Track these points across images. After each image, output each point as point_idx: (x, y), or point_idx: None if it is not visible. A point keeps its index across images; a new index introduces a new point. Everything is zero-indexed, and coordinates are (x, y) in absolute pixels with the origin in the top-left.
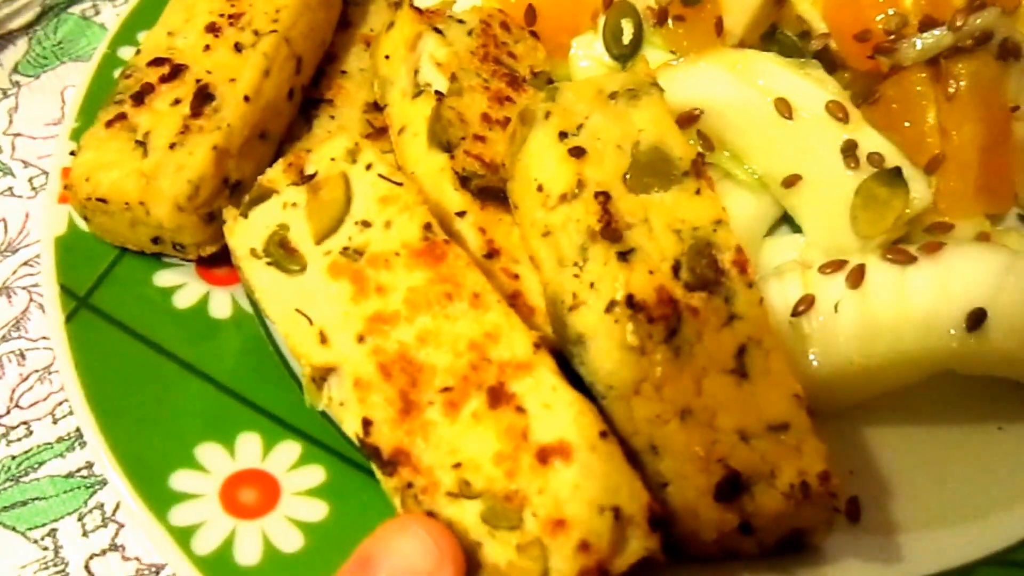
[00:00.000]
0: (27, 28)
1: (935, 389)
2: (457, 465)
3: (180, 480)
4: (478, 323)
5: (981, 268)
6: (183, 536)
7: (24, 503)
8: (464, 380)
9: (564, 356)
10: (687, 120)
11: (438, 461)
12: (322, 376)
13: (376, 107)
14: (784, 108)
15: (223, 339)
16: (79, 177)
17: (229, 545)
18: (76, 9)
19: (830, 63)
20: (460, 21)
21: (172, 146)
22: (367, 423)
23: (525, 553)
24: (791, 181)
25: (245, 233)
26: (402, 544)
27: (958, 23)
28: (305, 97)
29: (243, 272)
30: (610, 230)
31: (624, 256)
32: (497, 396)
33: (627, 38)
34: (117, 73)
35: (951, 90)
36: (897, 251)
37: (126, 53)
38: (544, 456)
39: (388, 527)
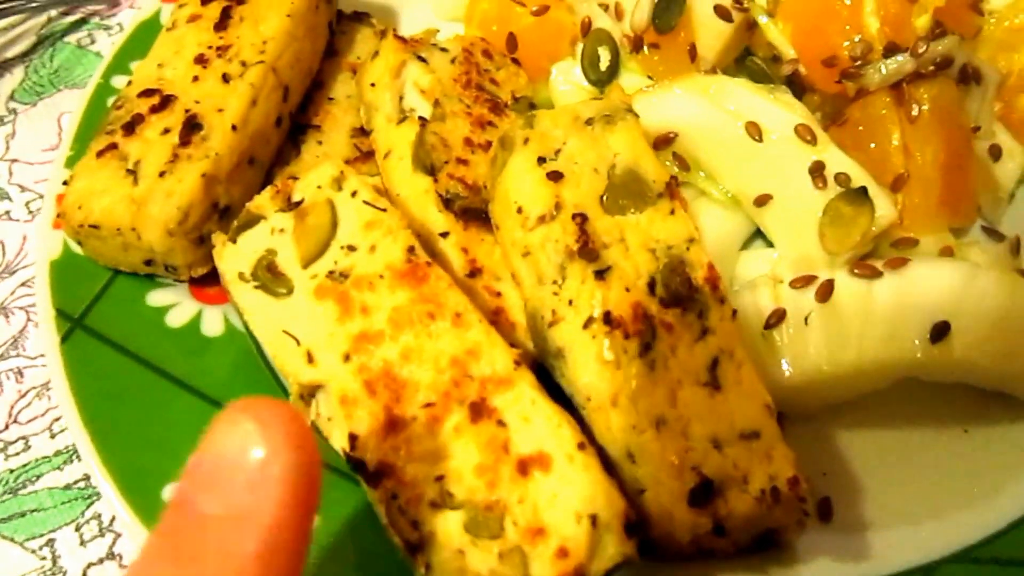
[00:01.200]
0: (23, 56)
1: (903, 394)
2: (440, 477)
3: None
4: (460, 341)
5: (944, 282)
6: None
7: (22, 514)
8: (446, 396)
9: (545, 369)
10: (663, 142)
11: (421, 473)
12: (310, 393)
13: (362, 132)
14: (754, 131)
15: (215, 356)
16: (72, 205)
17: None
18: (72, 38)
19: (799, 87)
20: (443, 49)
21: (162, 174)
22: (353, 438)
23: (506, 560)
24: (762, 200)
25: (234, 258)
26: (225, 437)
27: (920, 49)
28: (293, 123)
29: (232, 295)
30: (587, 249)
31: (601, 274)
32: (478, 410)
33: (604, 64)
34: (111, 101)
35: (914, 113)
36: (864, 266)
37: (119, 82)
38: (524, 467)
39: (215, 421)
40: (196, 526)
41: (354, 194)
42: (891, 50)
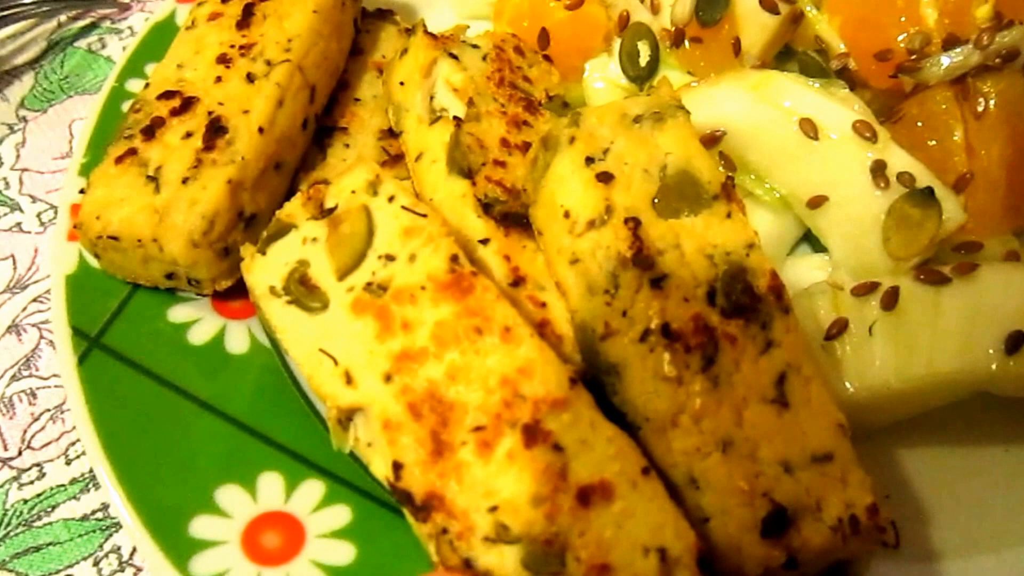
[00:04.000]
0: (33, 63)
1: (970, 408)
2: (493, 508)
3: (200, 526)
4: (510, 358)
5: (1017, 288)
6: None
7: (37, 548)
8: (497, 418)
9: (595, 384)
10: (709, 141)
11: (473, 504)
12: (348, 417)
13: (391, 134)
14: (810, 129)
15: (241, 375)
16: (89, 215)
17: None
18: (82, 43)
19: (849, 82)
20: (474, 46)
21: (185, 180)
22: (398, 466)
23: None
24: (817, 202)
25: (264, 270)
26: None
27: (984, 41)
28: (319, 125)
29: (262, 311)
30: (641, 256)
31: (657, 283)
32: (532, 434)
33: (644, 60)
34: (126, 106)
35: (979, 108)
36: (930, 272)
37: (134, 86)
38: (584, 496)
39: None
40: None
41: (391, 199)
42: (951, 42)
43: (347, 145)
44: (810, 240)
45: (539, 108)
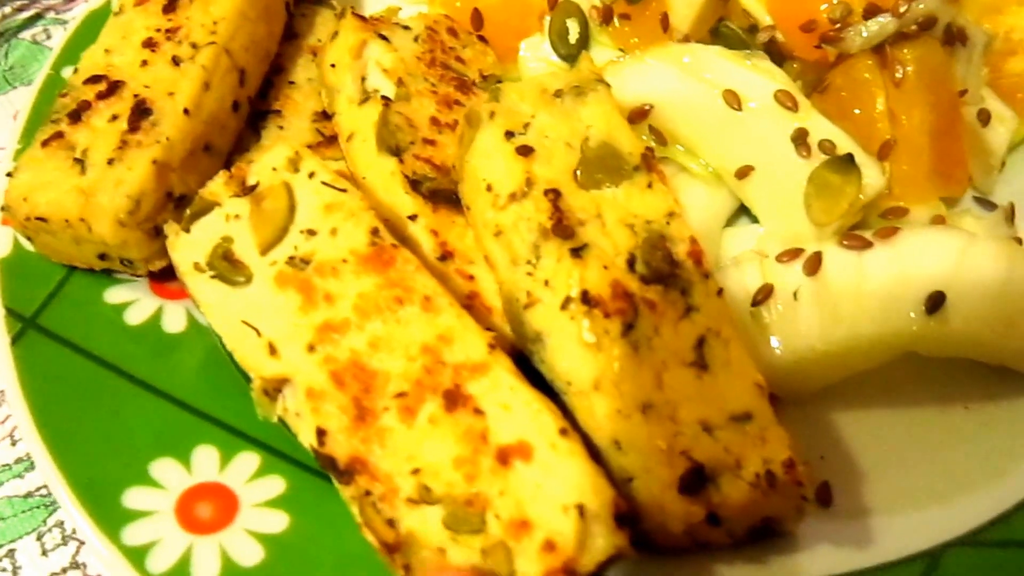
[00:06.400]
0: None
1: (901, 372)
2: (416, 471)
3: (133, 498)
4: (430, 326)
5: (937, 251)
6: (137, 556)
7: None
8: (419, 384)
9: (525, 356)
10: (638, 115)
11: (396, 467)
12: (276, 388)
13: (325, 116)
14: (733, 100)
15: (178, 353)
16: (16, 198)
17: (186, 563)
18: (27, 34)
19: (778, 55)
20: (406, 27)
21: (110, 162)
22: (321, 433)
23: (490, 557)
24: (744, 172)
25: (188, 247)
26: None
27: (901, 9)
28: (253, 109)
29: (188, 287)
30: (562, 227)
31: (577, 252)
32: (453, 399)
33: (573, 37)
34: None
35: (898, 75)
36: (853, 237)
37: (70, 73)
38: (504, 457)
39: None
40: None
41: (312, 175)
42: (871, 11)
43: (281, 128)
44: (748, 212)
45: (473, 88)
